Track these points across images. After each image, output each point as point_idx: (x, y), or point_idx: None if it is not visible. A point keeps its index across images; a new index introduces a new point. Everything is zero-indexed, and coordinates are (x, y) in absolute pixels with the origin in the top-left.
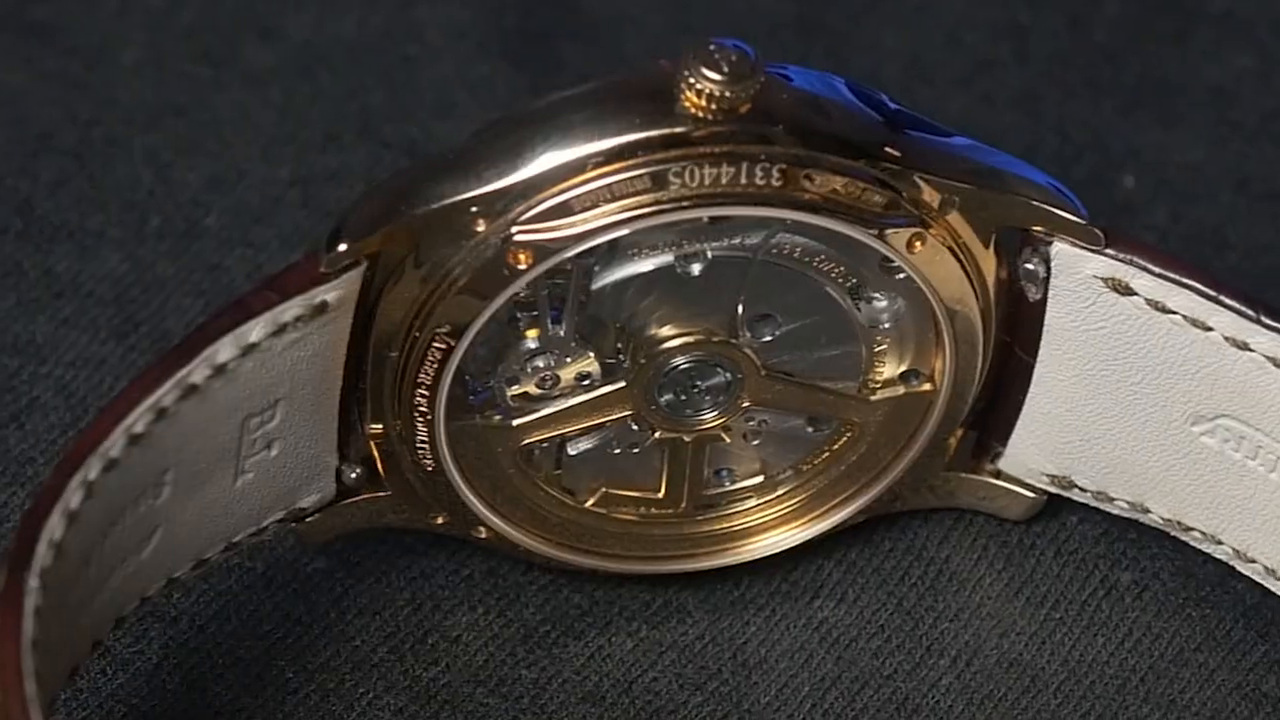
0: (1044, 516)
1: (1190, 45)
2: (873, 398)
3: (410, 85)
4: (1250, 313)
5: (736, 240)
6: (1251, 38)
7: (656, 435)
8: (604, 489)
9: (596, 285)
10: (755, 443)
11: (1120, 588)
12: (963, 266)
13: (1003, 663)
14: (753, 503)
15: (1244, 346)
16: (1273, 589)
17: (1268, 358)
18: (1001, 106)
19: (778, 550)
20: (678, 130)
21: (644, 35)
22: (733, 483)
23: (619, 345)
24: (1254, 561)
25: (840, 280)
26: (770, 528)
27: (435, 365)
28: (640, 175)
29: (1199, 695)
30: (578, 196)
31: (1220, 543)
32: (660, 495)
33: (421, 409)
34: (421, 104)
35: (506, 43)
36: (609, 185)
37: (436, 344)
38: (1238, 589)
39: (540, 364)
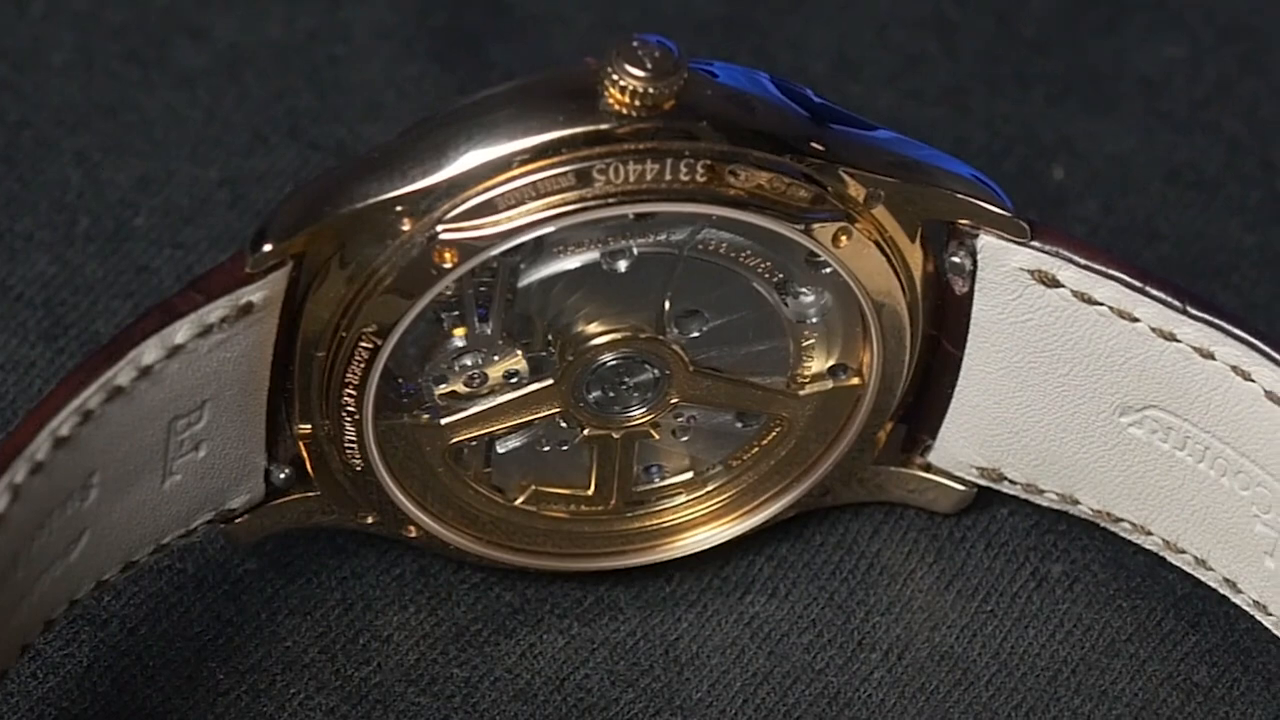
0: (974, 509)
1: (1119, 35)
2: (801, 392)
3: (338, 86)
4: (1177, 303)
5: (662, 236)
6: (1182, 27)
7: (585, 432)
8: (534, 487)
9: (523, 283)
10: (684, 439)
11: (1051, 580)
12: (889, 260)
13: (934, 656)
14: (683, 499)
15: (1171, 337)
16: (1203, 579)
17: (1195, 348)
18: (930, 101)
19: (709, 546)
20: (602, 127)
21: (572, 34)
22: (662, 479)
23: (547, 342)
24: (1184, 552)
25: (767, 275)
26: (701, 524)
27: (362, 365)
28: (565, 173)
29: (1130, 686)
30: (503, 194)
31: (1150, 533)
32: (590, 492)
33: (349, 409)
34: (349, 105)
35: (434, 43)
36: (534, 183)
37: (363, 344)
38: (1168, 579)
39: (468, 362)
